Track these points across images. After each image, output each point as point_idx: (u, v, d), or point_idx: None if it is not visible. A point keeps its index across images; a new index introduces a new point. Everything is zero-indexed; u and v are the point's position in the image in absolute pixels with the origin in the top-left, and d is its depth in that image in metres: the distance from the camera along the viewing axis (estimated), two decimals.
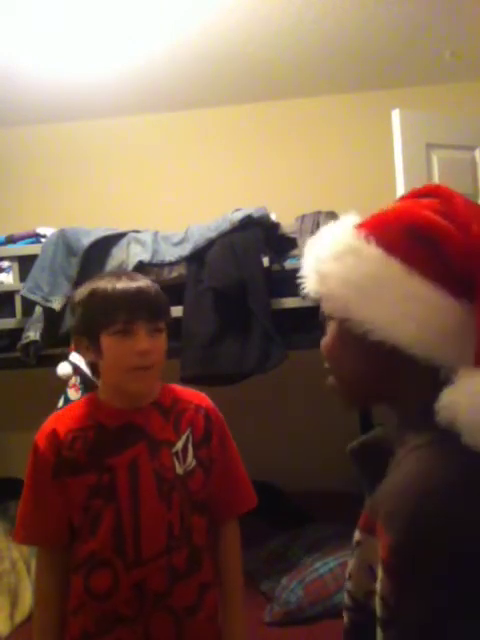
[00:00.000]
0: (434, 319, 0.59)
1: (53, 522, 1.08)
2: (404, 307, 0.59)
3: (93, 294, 1.07)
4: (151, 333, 1.06)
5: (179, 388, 1.20)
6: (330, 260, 0.64)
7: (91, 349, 1.08)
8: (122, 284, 1.06)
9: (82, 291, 1.10)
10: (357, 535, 0.65)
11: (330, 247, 0.66)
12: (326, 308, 0.66)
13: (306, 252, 0.70)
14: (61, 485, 1.07)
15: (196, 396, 1.20)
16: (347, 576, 0.67)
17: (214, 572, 1.15)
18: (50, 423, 1.12)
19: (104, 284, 1.07)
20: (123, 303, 1.04)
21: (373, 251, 0.62)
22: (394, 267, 0.60)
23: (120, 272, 1.13)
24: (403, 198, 0.70)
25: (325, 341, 0.71)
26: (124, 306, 1.04)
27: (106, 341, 1.05)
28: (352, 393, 0.72)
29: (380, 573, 0.56)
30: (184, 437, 1.11)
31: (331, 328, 0.69)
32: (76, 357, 1.81)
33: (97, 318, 1.05)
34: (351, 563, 0.66)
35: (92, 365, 1.15)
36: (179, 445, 1.10)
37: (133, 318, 1.04)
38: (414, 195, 0.69)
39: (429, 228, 0.60)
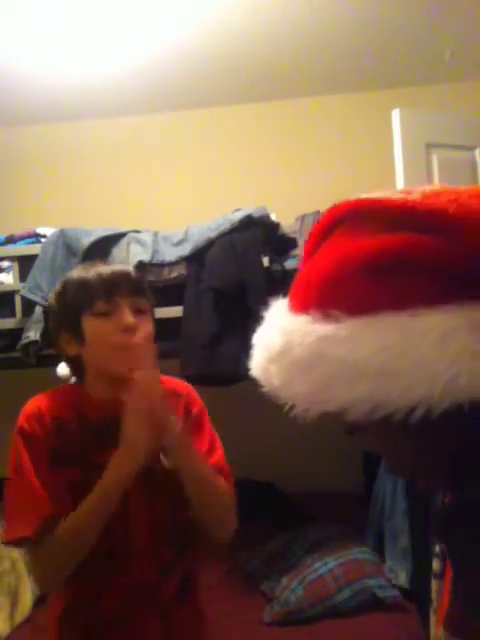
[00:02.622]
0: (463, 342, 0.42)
1: (57, 508, 0.97)
2: (438, 362, 0.42)
3: (66, 284, 1.05)
4: (134, 313, 1.02)
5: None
6: (340, 373, 0.46)
7: (73, 340, 1.04)
8: (95, 268, 1.04)
9: (55, 289, 1.08)
10: (441, 634, 0.50)
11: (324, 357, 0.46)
12: (359, 418, 0.46)
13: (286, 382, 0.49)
14: (51, 473, 1.00)
15: (177, 384, 1.17)
16: None
17: (196, 567, 1.13)
18: (34, 405, 1.05)
19: (77, 273, 1.05)
20: (100, 282, 1.01)
21: (352, 323, 0.45)
22: (396, 320, 0.44)
23: (94, 261, 1.11)
24: (310, 248, 0.52)
25: (379, 452, 0.56)
26: (102, 285, 1.01)
27: (88, 324, 1.01)
28: (445, 479, 0.53)
29: None
30: None
31: (373, 436, 0.52)
32: None
33: (75, 304, 1.02)
34: None
35: (74, 361, 1.09)
36: None
37: (113, 296, 1.01)
38: (322, 233, 0.51)
39: (398, 253, 0.45)
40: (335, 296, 0.47)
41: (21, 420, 1.03)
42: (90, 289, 1.01)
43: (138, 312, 1.03)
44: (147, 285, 1.09)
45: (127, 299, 1.02)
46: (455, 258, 0.43)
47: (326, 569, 1.92)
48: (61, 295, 1.06)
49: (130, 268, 1.08)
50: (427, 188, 0.48)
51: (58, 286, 1.08)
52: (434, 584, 0.64)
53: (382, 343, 0.44)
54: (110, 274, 1.03)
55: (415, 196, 0.47)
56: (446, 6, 2.37)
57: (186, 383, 1.19)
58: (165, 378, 1.17)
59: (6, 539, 0.99)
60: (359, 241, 0.47)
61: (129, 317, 1.00)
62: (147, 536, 1.04)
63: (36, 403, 1.06)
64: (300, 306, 0.50)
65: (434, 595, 0.63)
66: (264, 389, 0.52)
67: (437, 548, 0.64)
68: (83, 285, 1.02)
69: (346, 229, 0.49)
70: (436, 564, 0.63)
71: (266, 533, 2.28)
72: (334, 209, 0.51)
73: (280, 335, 0.50)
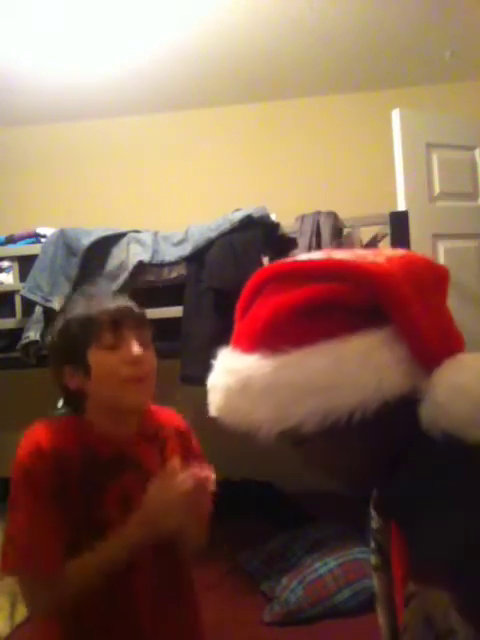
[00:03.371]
0: (376, 360, 0.55)
1: (55, 549, 0.97)
2: (365, 373, 0.55)
3: (70, 319, 1.04)
4: (139, 345, 1.03)
5: (154, 409, 1.16)
6: (304, 393, 0.56)
7: (77, 374, 1.03)
8: (99, 302, 1.05)
9: (55, 326, 1.07)
10: (411, 586, 0.60)
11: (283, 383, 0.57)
12: (311, 430, 0.56)
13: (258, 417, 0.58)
14: (58, 510, 0.99)
15: (171, 417, 1.18)
16: (402, 628, 0.64)
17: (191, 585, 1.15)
18: (34, 439, 1.02)
19: (79, 307, 1.05)
20: (107, 316, 1.02)
21: (297, 354, 0.56)
22: (330, 347, 0.56)
23: (91, 293, 1.12)
24: (243, 306, 0.65)
25: (316, 463, 0.65)
26: (108, 318, 1.02)
27: (95, 356, 1.01)
28: (367, 483, 0.66)
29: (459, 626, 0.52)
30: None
31: (321, 446, 0.61)
32: None
33: (81, 338, 1.01)
34: (406, 615, 0.62)
35: (75, 395, 1.07)
36: None
37: (120, 328, 1.02)
38: (252, 293, 0.64)
39: (322, 298, 0.57)
40: (279, 335, 0.57)
41: (22, 455, 1.00)
42: (96, 322, 1.02)
43: (142, 344, 1.04)
44: (147, 318, 1.10)
45: (133, 331, 1.03)
46: (363, 298, 0.56)
47: (326, 569, 1.92)
48: (64, 329, 1.05)
49: (131, 302, 1.09)
50: (328, 252, 0.61)
51: (57, 323, 1.07)
52: (375, 578, 0.72)
53: (322, 365, 0.55)
54: (116, 308, 1.04)
55: (320, 257, 0.60)
56: (446, 6, 2.37)
57: (175, 413, 1.21)
58: (162, 410, 1.18)
59: (2, 566, 0.98)
60: (289, 292, 0.58)
61: (137, 349, 1.01)
62: (151, 587, 1.05)
63: (36, 438, 1.02)
64: (249, 348, 0.59)
65: (377, 589, 0.71)
66: (226, 426, 0.61)
67: (372, 544, 0.72)
68: (89, 319, 1.02)
69: (274, 287, 0.61)
70: (374, 559, 0.72)
71: (266, 533, 2.27)
72: (260, 273, 0.63)
73: (236, 374, 0.59)
